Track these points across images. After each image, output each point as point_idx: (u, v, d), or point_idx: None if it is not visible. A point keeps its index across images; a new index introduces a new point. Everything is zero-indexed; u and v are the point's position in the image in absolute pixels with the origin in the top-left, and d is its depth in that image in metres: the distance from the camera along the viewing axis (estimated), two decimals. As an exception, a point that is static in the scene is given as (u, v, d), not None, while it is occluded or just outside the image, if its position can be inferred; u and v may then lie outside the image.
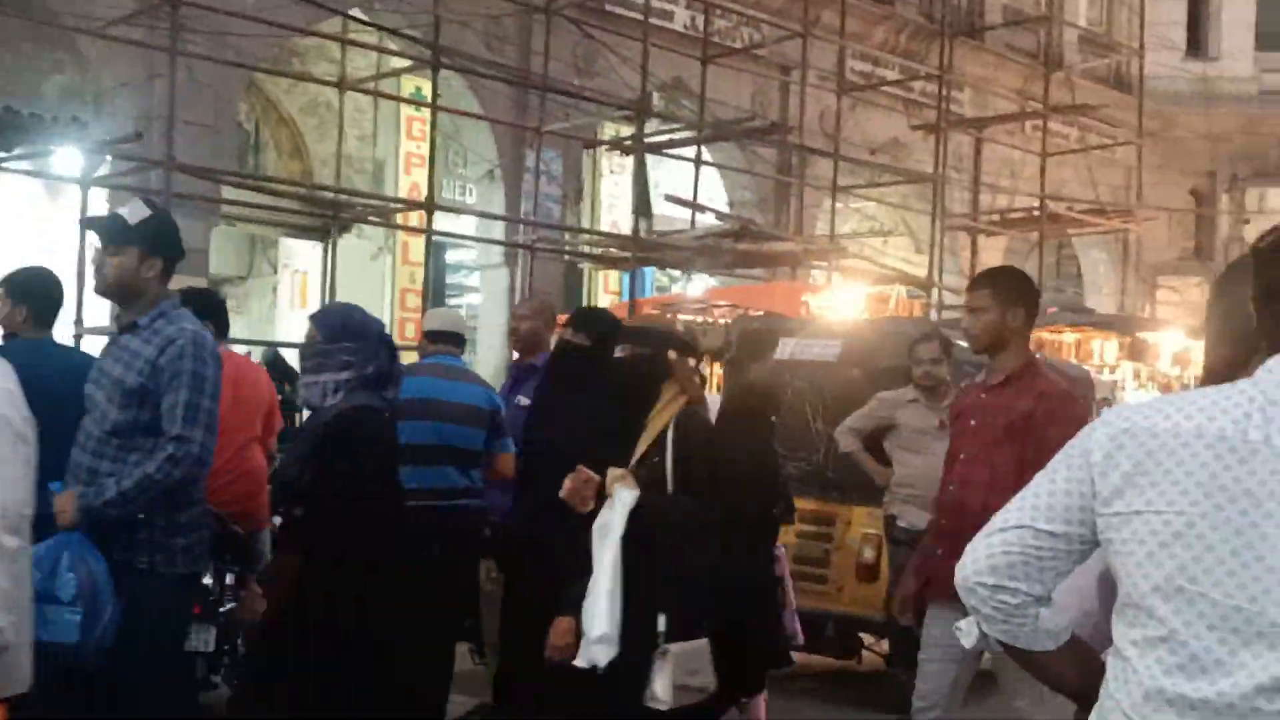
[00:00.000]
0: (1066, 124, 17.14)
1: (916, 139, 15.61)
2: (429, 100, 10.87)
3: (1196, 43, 18.98)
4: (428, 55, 10.50)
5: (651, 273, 15.80)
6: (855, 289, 10.60)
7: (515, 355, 5.74)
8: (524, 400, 5.28)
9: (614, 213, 15.95)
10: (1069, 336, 11.42)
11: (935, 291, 14.79)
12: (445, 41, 10.65)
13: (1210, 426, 1.53)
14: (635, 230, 12.10)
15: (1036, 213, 15.55)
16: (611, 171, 16.28)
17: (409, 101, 13.01)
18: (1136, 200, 17.02)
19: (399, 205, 12.26)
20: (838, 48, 14.56)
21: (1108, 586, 1.68)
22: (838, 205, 15.63)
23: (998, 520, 1.69)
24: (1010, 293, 3.78)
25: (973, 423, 3.88)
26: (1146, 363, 10.72)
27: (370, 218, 12.26)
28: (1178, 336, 11.19)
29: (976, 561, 1.68)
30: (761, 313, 8.86)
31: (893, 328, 6.85)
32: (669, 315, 11.16)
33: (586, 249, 13.65)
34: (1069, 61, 17.18)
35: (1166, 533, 1.51)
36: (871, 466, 5.90)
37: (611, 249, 13.15)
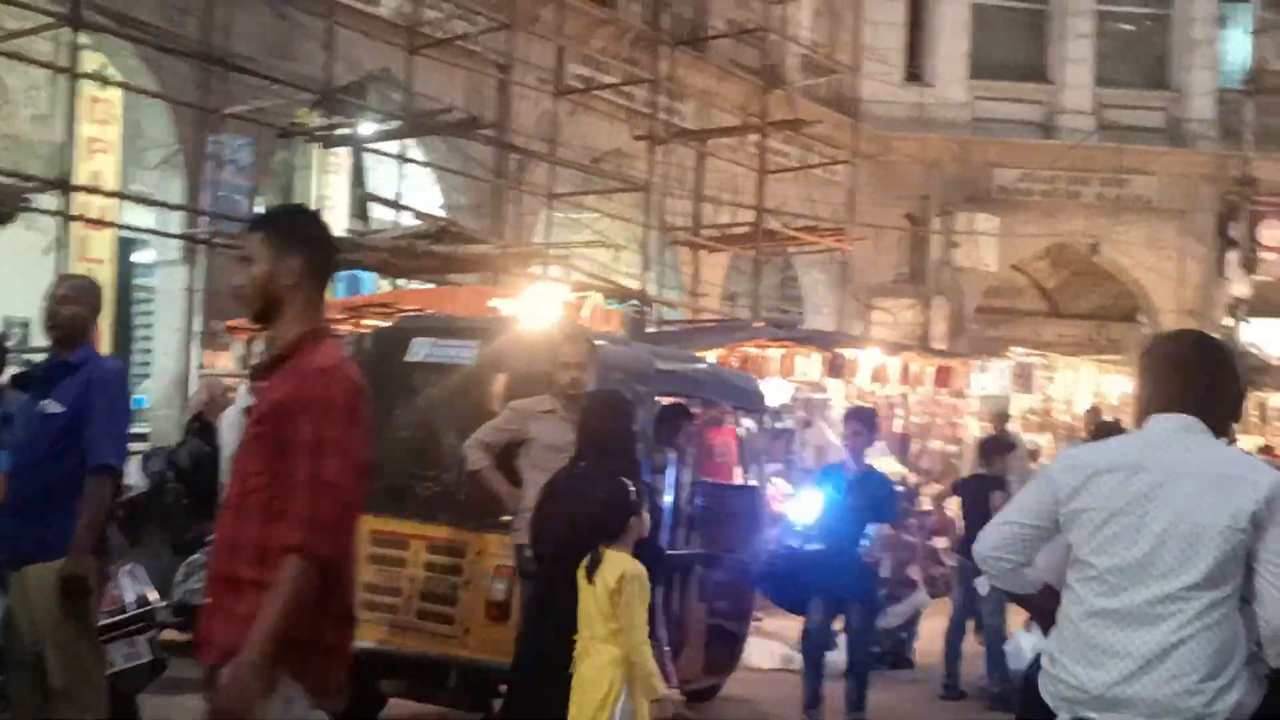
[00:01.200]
0: (787, 143, 17.08)
1: (640, 149, 15.12)
2: (112, 79, 9.50)
3: (914, 69, 19.38)
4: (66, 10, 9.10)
5: (372, 277, 14.72)
6: (550, 294, 9.87)
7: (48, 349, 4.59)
8: (55, 407, 4.20)
9: (328, 215, 14.79)
10: (773, 352, 11.09)
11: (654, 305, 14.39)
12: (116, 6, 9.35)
13: (1120, 459, 2.78)
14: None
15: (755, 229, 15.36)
16: (326, 171, 15.12)
17: (68, 73, 11.46)
18: (851, 221, 17.13)
19: (49, 189, 10.71)
20: (556, 50, 13.92)
21: (1063, 553, 2.83)
22: (562, 215, 14.99)
23: (999, 517, 2.94)
24: (284, 237, 2.80)
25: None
26: (845, 379, 10.46)
27: (35, 208, 10.73)
28: (875, 354, 11.01)
29: (986, 542, 2.90)
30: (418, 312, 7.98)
31: (538, 327, 6.06)
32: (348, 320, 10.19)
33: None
34: (790, 80, 17.12)
35: (1098, 519, 2.72)
36: (501, 488, 5.09)
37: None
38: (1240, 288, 18.71)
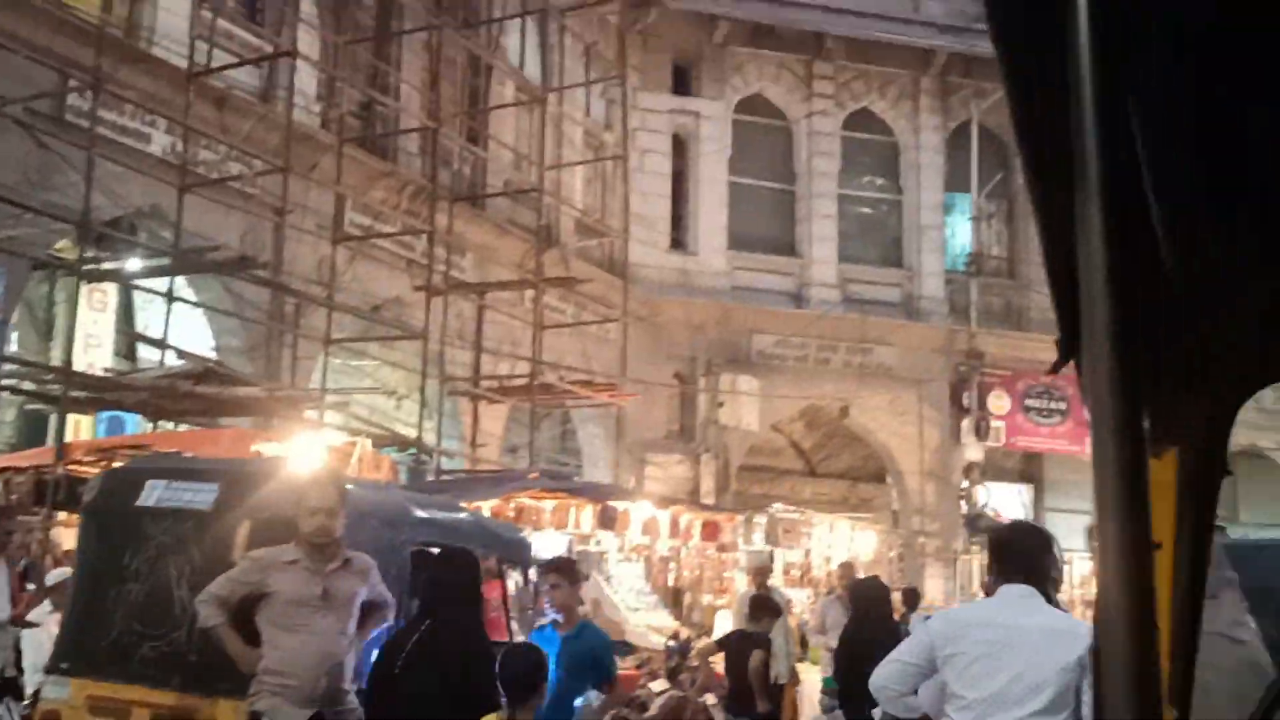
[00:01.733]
0: (563, 300, 16.94)
1: (419, 299, 14.60)
2: None
3: (679, 237, 19.80)
4: None
5: (135, 419, 13.39)
6: (318, 439, 9.07)
7: None
8: None
9: (92, 353, 13.47)
10: (548, 503, 10.55)
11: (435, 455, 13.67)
12: None
13: (985, 615, 3.66)
14: (67, 365, 9.87)
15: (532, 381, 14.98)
16: (94, 308, 13.85)
17: None
18: (623, 377, 17.02)
19: None
20: (335, 197, 13.39)
21: (938, 691, 3.60)
22: (340, 361, 14.20)
23: (891, 655, 3.75)
24: None
25: None
26: (617, 531, 10.01)
27: None
28: (646, 507, 10.63)
29: (879, 676, 3.73)
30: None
31: (287, 470, 5.35)
32: (99, 462, 9.08)
33: (45, 387, 11.14)
34: (564, 241, 17.10)
35: (966, 660, 3.48)
36: (236, 647, 4.30)
37: (51, 387, 10.77)
38: (973, 452, 19.58)
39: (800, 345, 19.93)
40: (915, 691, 3.66)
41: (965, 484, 19.41)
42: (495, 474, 12.54)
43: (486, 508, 10.64)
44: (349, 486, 4.52)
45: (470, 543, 5.44)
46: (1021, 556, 3.62)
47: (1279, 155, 1.17)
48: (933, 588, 19.25)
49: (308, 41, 13.77)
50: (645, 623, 13.72)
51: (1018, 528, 3.99)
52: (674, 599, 13.57)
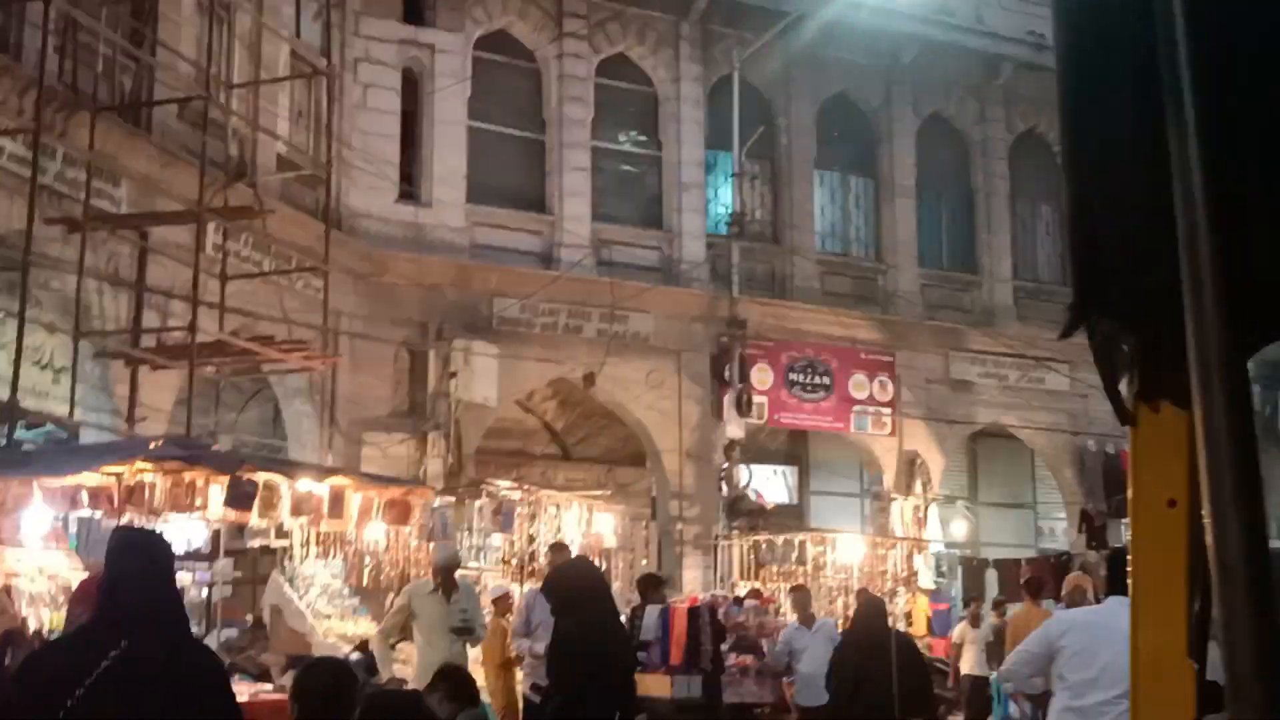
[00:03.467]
0: (259, 251, 14.13)
1: (55, 235, 11.54)
2: None
3: (410, 188, 17.23)
4: None
5: None
6: None
7: None
8: None
9: None
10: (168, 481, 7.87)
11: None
12: None
13: (1090, 618, 5.23)
14: None
15: (212, 342, 12.15)
16: None
17: None
18: (334, 341, 14.39)
19: None
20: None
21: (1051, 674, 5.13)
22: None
23: (1018, 647, 5.57)
24: None
25: None
26: (255, 512, 7.48)
27: None
28: (307, 482, 8.11)
29: (1009, 663, 5.78)
30: None
31: None
32: None
33: None
34: (264, 180, 14.25)
35: (1071, 652, 4.85)
36: None
37: None
38: (735, 430, 17.86)
39: (549, 311, 17.74)
40: (1039, 675, 5.33)
41: (725, 465, 17.69)
42: (108, 445, 9.74)
43: (85, 490, 7.90)
44: None
45: None
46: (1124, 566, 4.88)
47: None
48: (691, 578, 17.47)
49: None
50: (338, 631, 11.21)
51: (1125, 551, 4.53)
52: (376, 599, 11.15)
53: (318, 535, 10.84)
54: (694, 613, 10.23)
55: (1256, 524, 1.09)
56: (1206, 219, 1.09)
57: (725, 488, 17.59)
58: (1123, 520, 20.93)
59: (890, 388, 19.93)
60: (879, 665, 8.02)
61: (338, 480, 8.72)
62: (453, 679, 5.04)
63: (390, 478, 11.49)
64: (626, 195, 19.11)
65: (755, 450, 20.31)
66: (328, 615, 11.38)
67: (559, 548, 9.93)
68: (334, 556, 11.60)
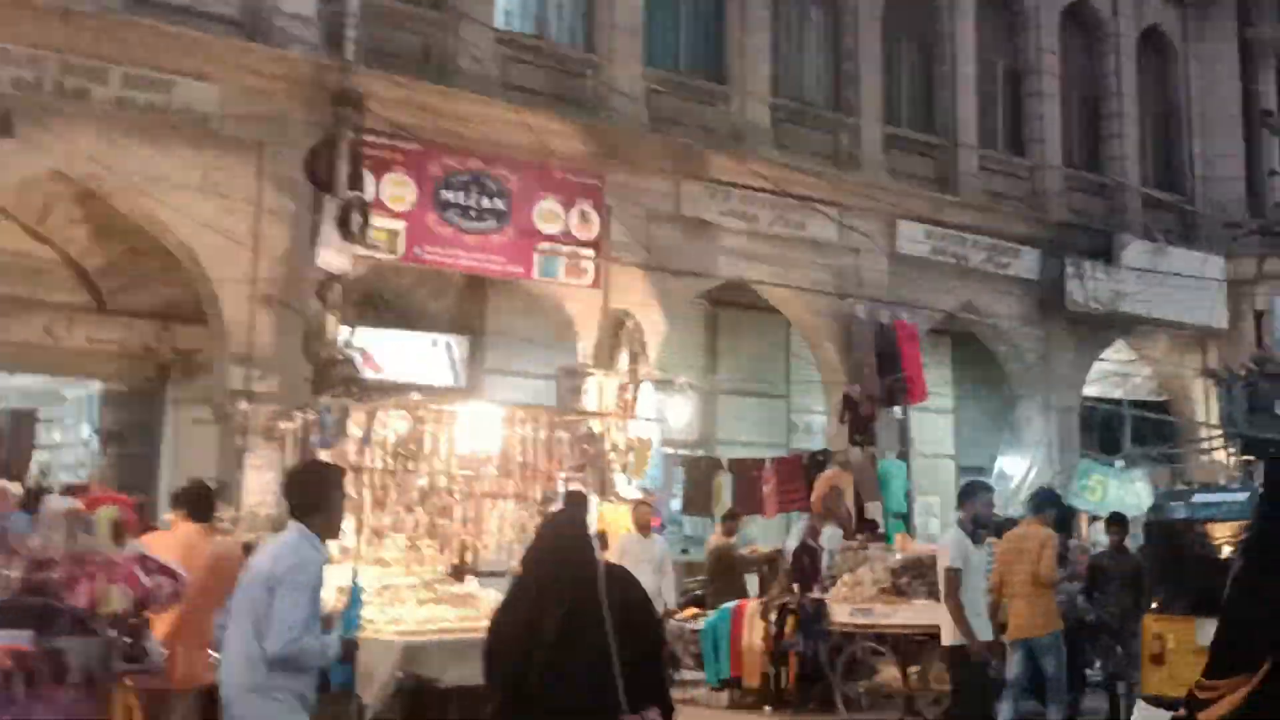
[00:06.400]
0: None
1: None
2: None
3: None
4: None
5: None
6: None
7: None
8: None
9: None
10: None
11: None
12: None
13: None
14: None
15: None
16: None
17: None
18: None
19: None
20: None
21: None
22: None
23: None
24: None
25: None
26: None
27: None
28: None
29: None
30: None
31: None
32: None
33: None
34: None
35: None
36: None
37: None
38: (334, 259, 11.44)
39: (35, 67, 10.93)
40: None
41: (317, 312, 11.32)
42: None
43: None
44: None
45: None
46: None
47: None
48: (260, 484, 11.16)
49: None
50: None
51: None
52: None
53: None
54: None
55: None
56: None
57: (317, 351, 11.27)
58: (895, 408, 15.84)
59: (595, 221, 14.05)
60: (577, 625, 3.94)
61: None
62: None
63: None
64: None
65: (401, 308, 14.15)
66: None
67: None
68: None
